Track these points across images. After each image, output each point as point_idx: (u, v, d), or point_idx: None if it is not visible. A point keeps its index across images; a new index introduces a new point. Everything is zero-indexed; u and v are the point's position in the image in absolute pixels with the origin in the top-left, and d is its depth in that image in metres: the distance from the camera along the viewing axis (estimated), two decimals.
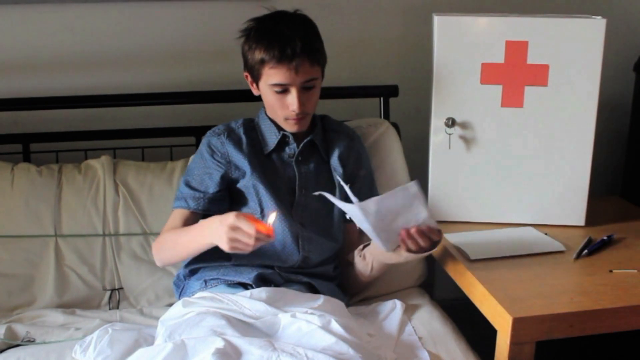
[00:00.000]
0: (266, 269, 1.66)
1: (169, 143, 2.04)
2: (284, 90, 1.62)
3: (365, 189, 1.79)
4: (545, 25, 1.80)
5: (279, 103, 1.64)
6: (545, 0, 2.27)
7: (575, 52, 1.79)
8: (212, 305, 1.53)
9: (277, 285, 1.62)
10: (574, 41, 1.79)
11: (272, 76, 1.61)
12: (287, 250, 1.67)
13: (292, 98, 1.62)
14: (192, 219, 1.66)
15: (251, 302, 1.52)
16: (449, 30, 1.83)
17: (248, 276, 1.62)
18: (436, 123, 1.89)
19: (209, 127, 2.03)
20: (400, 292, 1.84)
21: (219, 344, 1.31)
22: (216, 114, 2.11)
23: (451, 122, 1.87)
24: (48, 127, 2.02)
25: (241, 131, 1.73)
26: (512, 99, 1.84)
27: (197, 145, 2.00)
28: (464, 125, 1.87)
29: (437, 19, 1.83)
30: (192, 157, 1.81)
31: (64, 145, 2.00)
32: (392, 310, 1.71)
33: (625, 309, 1.46)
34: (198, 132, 2.03)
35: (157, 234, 1.85)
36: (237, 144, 1.70)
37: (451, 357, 1.56)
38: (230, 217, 1.44)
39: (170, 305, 1.78)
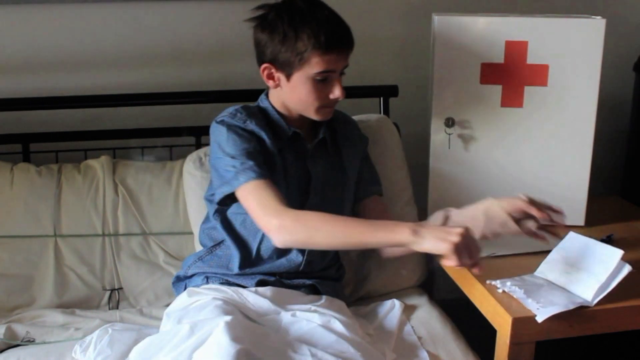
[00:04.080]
0: (268, 276, 1.62)
1: (168, 143, 2.04)
2: (324, 78, 1.55)
3: (367, 172, 1.78)
4: (545, 25, 1.80)
5: (318, 93, 1.55)
6: (545, 0, 2.27)
7: (575, 52, 1.79)
8: (217, 295, 1.52)
9: None
10: (574, 41, 1.79)
11: (319, 64, 1.52)
12: (291, 256, 1.63)
13: (336, 85, 1.55)
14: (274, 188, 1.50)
15: (256, 298, 1.52)
16: (449, 30, 1.83)
17: (251, 282, 1.60)
18: (436, 123, 1.89)
19: (209, 127, 2.04)
20: (400, 292, 1.84)
21: (228, 319, 1.32)
22: (216, 114, 2.10)
23: (451, 122, 1.87)
24: (48, 127, 2.02)
25: (260, 120, 1.61)
26: (512, 99, 1.84)
27: (197, 145, 2.01)
28: (464, 125, 1.87)
29: (437, 19, 1.83)
30: (210, 154, 1.64)
31: (63, 145, 2.00)
32: (391, 310, 1.70)
33: (625, 309, 1.46)
34: (198, 132, 2.02)
35: (156, 234, 1.85)
36: (260, 129, 1.59)
37: (451, 357, 1.56)
38: (463, 228, 1.36)
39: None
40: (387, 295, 1.81)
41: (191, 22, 2.09)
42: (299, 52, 1.51)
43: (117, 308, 1.80)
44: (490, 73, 1.83)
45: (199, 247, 1.78)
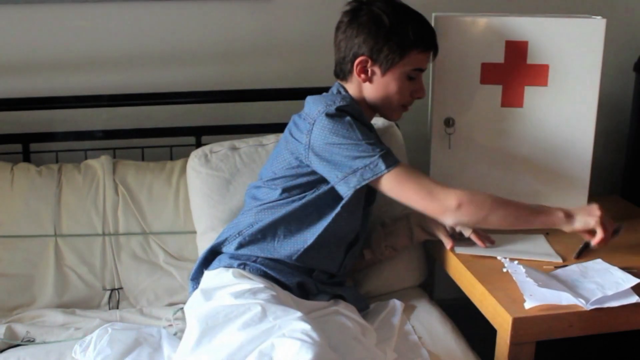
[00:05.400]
0: (306, 275, 1.59)
1: (168, 143, 2.04)
2: (414, 76, 1.60)
3: None
4: (545, 25, 1.80)
5: (406, 90, 1.61)
6: (545, 0, 2.27)
7: (575, 52, 1.79)
8: (268, 285, 1.48)
9: (311, 294, 1.59)
10: (574, 41, 1.79)
11: (416, 61, 1.58)
12: (336, 254, 1.62)
13: (421, 84, 1.63)
14: None
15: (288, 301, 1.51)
16: (449, 30, 1.83)
17: (291, 280, 1.56)
18: (436, 123, 1.89)
19: (209, 127, 2.04)
20: (400, 292, 1.84)
21: (300, 314, 1.32)
22: (216, 114, 2.11)
23: (451, 122, 1.87)
24: (48, 127, 2.02)
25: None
26: (512, 99, 1.84)
27: (197, 145, 2.01)
28: (464, 125, 1.87)
29: (437, 19, 1.83)
30: (316, 142, 1.52)
31: (63, 145, 2.00)
32: (391, 310, 1.70)
33: (624, 309, 1.46)
34: (198, 132, 2.03)
35: (156, 234, 1.85)
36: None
37: (451, 357, 1.56)
38: (597, 204, 1.55)
39: (171, 305, 1.79)
40: (387, 295, 1.81)
41: (191, 22, 2.09)
42: (403, 47, 1.55)
43: (117, 308, 1.80)
44: (490, 73, 1.83)
45: (202, 245, 1.77)
